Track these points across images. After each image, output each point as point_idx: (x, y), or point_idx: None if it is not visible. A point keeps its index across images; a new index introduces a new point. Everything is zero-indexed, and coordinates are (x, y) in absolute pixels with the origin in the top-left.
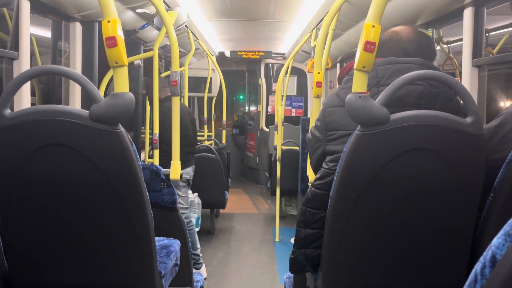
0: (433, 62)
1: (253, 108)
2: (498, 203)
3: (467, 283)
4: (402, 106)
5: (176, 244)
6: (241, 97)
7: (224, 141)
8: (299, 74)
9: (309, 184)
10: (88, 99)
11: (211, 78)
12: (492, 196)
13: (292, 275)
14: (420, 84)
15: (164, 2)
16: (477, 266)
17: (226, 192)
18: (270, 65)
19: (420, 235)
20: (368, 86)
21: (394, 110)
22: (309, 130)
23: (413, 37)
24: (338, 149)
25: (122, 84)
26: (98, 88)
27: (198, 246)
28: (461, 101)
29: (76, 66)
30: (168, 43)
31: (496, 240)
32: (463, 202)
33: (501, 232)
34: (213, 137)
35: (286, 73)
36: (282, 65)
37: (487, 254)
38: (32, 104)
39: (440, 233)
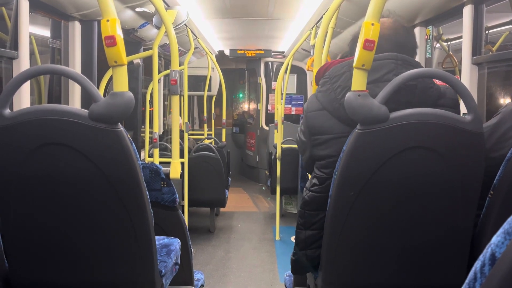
0: (414, 57)
1: (253, 106)
2: (497, 201)
3: (466, 281)
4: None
5: (176, 243)
6: (241, 95)
7: (224, 139)
8: (299, 72)
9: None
10: (87, 98)
11: (210, 76)
12: (491, 194)
13: None
14: None
15: (164, 1)
16: (477, 264)
17: (226, 190)
18: (270, 63)
19: (420, 233)
20: (346, 87)
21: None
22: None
23: (389, 34)
24: (326, 154)
25: (121, 83)
26: (98, 87)
27: None
28: (451, 95)
29: (76, 66)
30: (168, 42)
31: (495, 238)
32: (463, 200)
33: (501, 230)
34: (213, 136)
35: (285, 71)
36: (282, 63)
37: (486, 252)
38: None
39: (440, 231)
